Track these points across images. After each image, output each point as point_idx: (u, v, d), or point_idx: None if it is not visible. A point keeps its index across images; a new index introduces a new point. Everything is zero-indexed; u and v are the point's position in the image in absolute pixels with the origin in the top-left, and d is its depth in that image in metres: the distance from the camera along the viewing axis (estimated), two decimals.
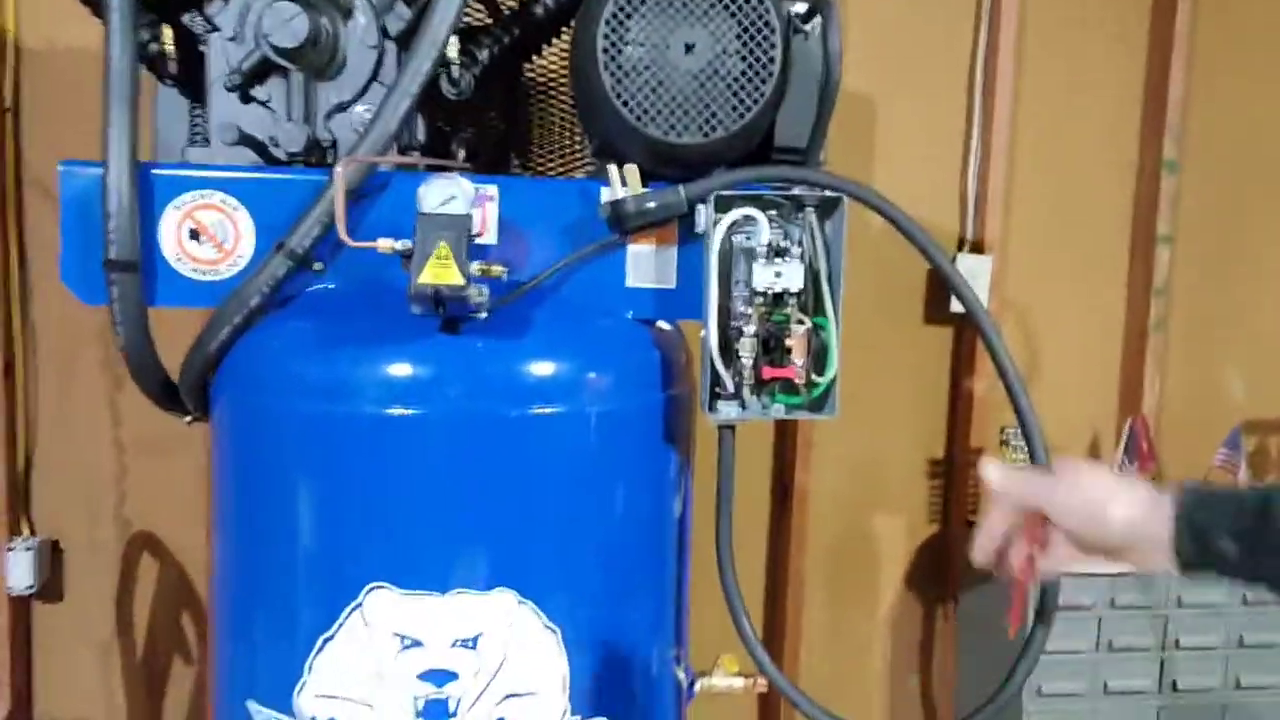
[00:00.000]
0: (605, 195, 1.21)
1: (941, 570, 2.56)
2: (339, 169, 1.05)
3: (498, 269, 1.11)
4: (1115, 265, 2.58)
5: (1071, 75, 2.47)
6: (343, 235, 1.06)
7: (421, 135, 1.33)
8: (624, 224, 1.19)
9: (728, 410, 1.22)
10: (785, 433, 2.47)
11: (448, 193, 1.09)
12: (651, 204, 1.18)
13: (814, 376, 1.22)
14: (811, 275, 1.22)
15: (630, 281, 1.26)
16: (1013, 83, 2.42)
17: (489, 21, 1.48)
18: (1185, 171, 2.51)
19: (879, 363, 2.49)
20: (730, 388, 1.21)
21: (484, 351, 1.15)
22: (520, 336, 1.16)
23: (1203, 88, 2.51)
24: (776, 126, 1.30)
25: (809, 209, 1.21)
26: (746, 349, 1.19)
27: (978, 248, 2.45)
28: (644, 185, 1.20)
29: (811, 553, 2.48)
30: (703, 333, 1.21)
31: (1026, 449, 1.26)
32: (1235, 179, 2.57)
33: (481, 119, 1.56)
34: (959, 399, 2.52)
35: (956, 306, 2.39)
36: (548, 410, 1.17)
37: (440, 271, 1.02)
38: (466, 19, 1.46)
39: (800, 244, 1.20)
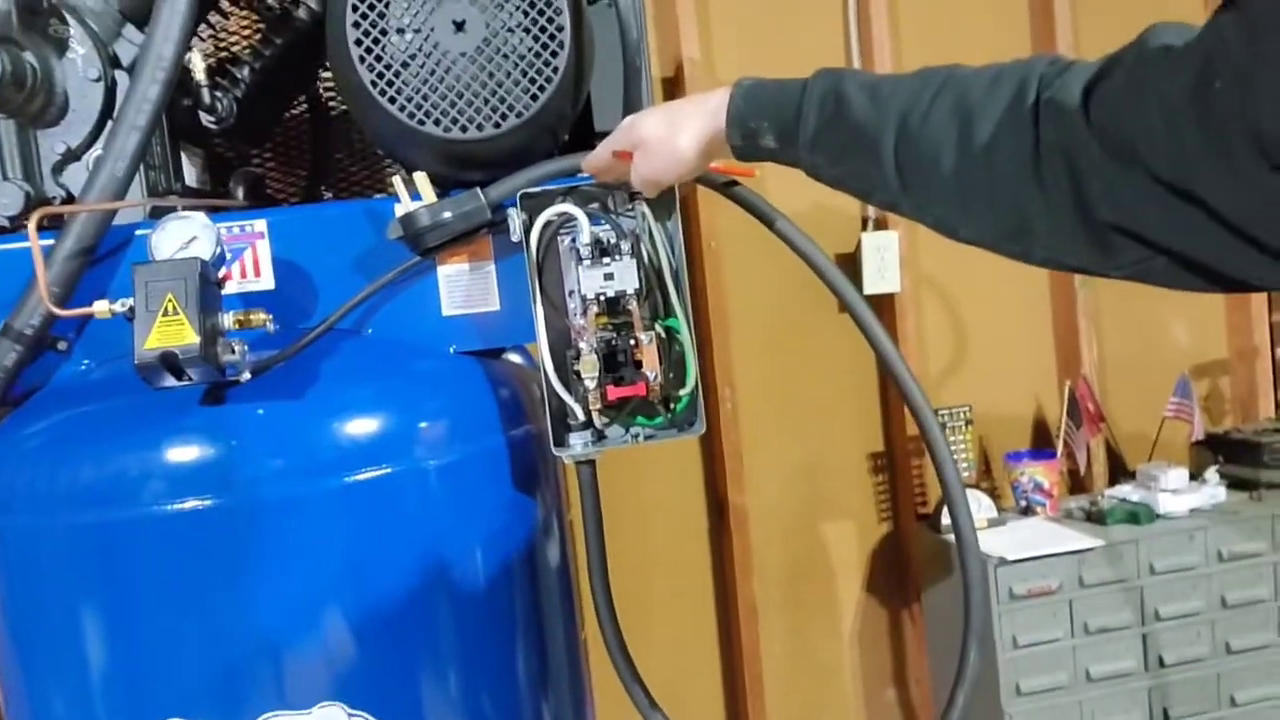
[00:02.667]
0: (398, 212, 1.02)
1: (901, 571, 2.38)
2: (31, 223, 0.85)
3: (258, 317, 0.91)
4: None
5: (954, 20, 2.34)
6: (46, 303, 0.86)
7: (193, 176, 1.14)
8: (421, 241, 1.00)
9: (578, 444, 1.03)
10: (711, 448, 2.28)
11: (185, 235, 0.90)
12: (447, 214, 0.99)
13: (673, 390, 1.03)
14: (654, 273, 1.04)
15: (447, 309, 1.07)
16: (890, 42, 2.28)
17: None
18: None
19: (798, 357, 2.31)
20: (580, 416, 1.02)
21: (263, 419, 0.95)
22: (304, 393, 0.97)
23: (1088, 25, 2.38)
24: (594, 109, 1.12)
25: (639, 197, 1.03)
26: (588, 368, 1.00)
27: (881, 224, 2.30)
28: (447, 194, 1.01)
29: (760, 577, 2.28)
30: (538, 358, 1.02)
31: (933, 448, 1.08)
32: None
33: (278, 149, 1.37)
34: (888, 386, 2.35)
35: (872, 287, 2.22)
36: (359, 477, 0.97)
37: (170, 332, 0.82)
38: (234, 36, 1.27)
39: (632, 238, 1.02)
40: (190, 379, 0.87)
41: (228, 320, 0.89)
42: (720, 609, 2.34)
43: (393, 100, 0.97)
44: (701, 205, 2.15)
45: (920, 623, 2.35)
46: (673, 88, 2.20)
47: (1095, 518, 2.09)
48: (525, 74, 0.98)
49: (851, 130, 0.79)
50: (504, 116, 0.98)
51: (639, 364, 1.01)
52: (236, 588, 0.96)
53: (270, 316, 0.93)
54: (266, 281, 1.03)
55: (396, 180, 1.00)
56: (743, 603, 2.27)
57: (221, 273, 0.91)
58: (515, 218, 1.01)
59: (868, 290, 2.24)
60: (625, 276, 1.00)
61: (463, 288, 1.07)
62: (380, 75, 0.96)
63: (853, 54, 2.28)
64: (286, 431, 0.97)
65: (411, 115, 0.97)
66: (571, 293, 1.04)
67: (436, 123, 0.98)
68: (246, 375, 0.92)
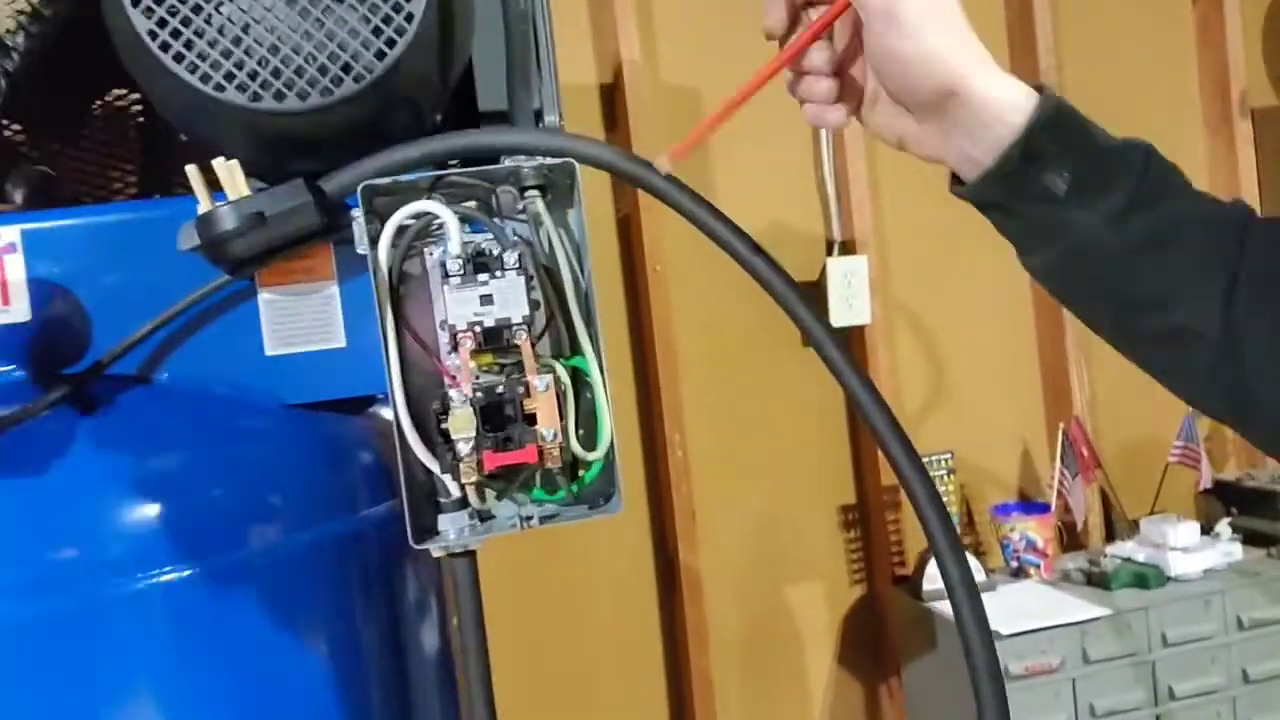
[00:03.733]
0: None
1: (877, 639, 2.11)
2: None
3: None
4: (1012, 248, 2.20)
5: None
6: None
7: None
8: (226, 253, 0.72)
9: (450, 530, 0.75)
10: (659, 503, 2.00)
11: None
12: (260, 214, 0.71)
13: (580, 451, 0.76)
14: (555, 296, 0.76)
15: (272, 347, 0.79)
16: None
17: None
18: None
19: (758, 400, 2.05)
20: (453, 491, 0.74)
21: None
22: (61, 468, 0.68)
23: (1070, 36, 2.16)
24: (479, 84, 0.86)
25: (530, 193, 0.76)
26: (460, 426, 0.72)
27: (849, 248, 2.05)
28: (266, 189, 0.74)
29: (717, 647, 2.00)
30: (390, 411, 0.74)
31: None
32: (1132, 122, 2.21)
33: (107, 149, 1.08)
34: (859, 430, 2.09)
35: (839, 318, 1.97)
36: (139, 585, 0.69)
37: None
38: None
39: (521, 247, 0.75)
40: None
41: None
42: (672, 684, 2.05)
43: (180, 57, 0.69)
44: (645, 221, 1.88)
45: (900, 699, 2.08)
46: (612, 93, 1.94)
47: (1097, 580, 1.83)
48: (367, 21, 0.71)
49: (1194, 215, 0.60)
50: (336, 81, 0.71)
51: (528, 418, 0.73)
52: None
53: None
54: (18, 311, 0.75)
55: (191, 171, 0.72)
56: (697, 677, 1.99)
57: None
58: (360, 221, 0.73)
59: (835, 322, 1.99)
60: (510, 299, 0.72)
61: (294, 318, 0.79)
62: (162, 22, 0.69)
63: None
64: (32, 525, 0.69)
65: (206, 78, 0.70)
66: (443, 323, 0.77)
67: (242, 88, 0.70)
68: None
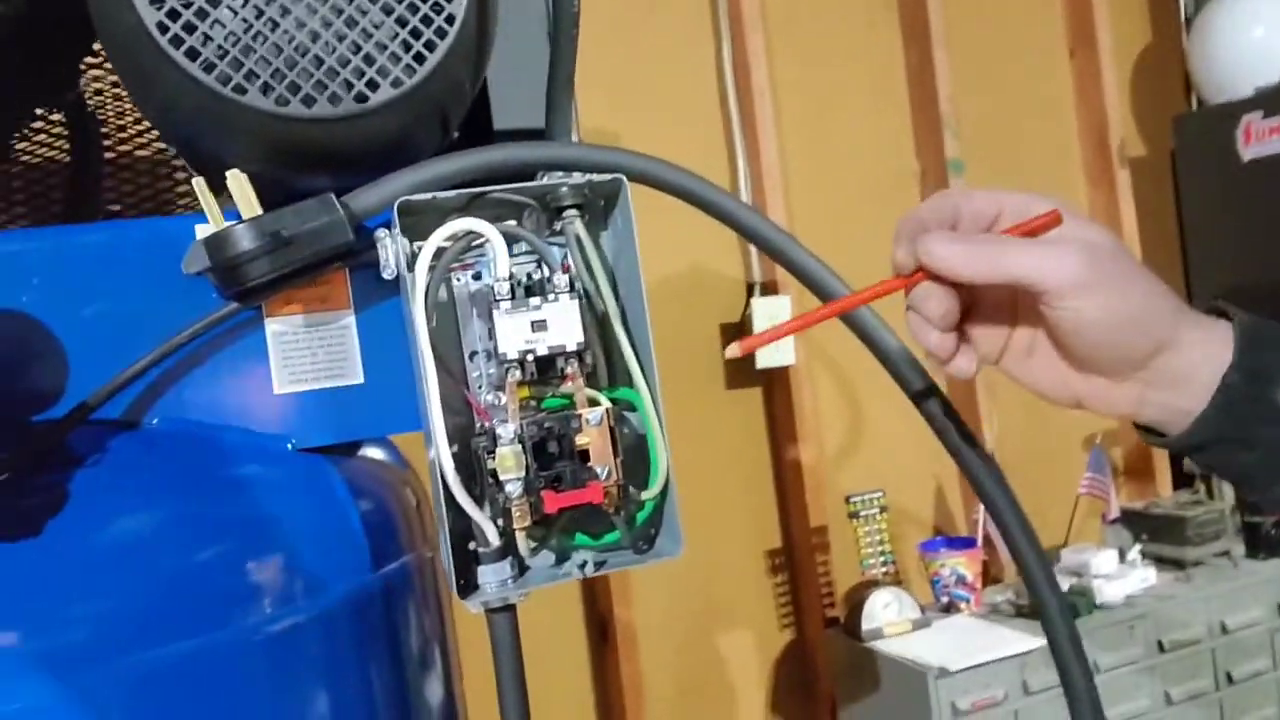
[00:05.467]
0: (200, 234, 0.65)
1: (809, 685, 2.08)
2: None
3: None
4: None
5: (832, 79, 2.15)
6: None
7: None
8: (239, 278, 0.64)
9: (492, 582, 0.67)
10: None
11: None
12: (284, 232, 0.63)
13: (632, 491, 0.70)
14: (595, 322, 0.71)
15: (282, 385, 0.70)
16: (771, 101, 2.06)
17: None
18: (970, 171, 2.23)
19: (681, 446, 2.01)
20: (493, 540, 0.67)
21: None
22: (36, 533, 0.58)
23: (965, 77, 2.26)
24: (493, 100, 0.80)
25: (569, 213, 0.71)
26: (509, 466, 0.65)
27: (770, 289, 2.05)
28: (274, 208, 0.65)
29: (651, 705, 1.93)
30: (429, 453, 0.67)
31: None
32: (1019, 173, 2.32)
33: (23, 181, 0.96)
34: (784, 472, 2.08)
35: (765, 359, 1.96)
36: (132, 662, 0.58)
37: None
38: None
39: (572, 271, 0.69)
40: None
41: None
42: None
43: (194, 54, 0.61)
44: None
45: None
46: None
47: (1026, 612, 1.86)
48: (404, 22, 0.65)
49: None
50: (372, 85, 0.64)
51: (585, 456, 0.67)
52: None
53: None
54: None
55: (198, 185, 0.63)
56: None
57: None
58: (389, 242, 0.66)
59: (761, 364, 1.98)
60: (564, 325, 0.67)
61: (306, 352, 0.70)
62: (174, 14, 0.61)
63: (731, 111, 2.05)
64: (7, 592, 0.58)
65: (225, 79, 0.62)
66: (474, 354, 0.70)
67: (266, 91, 0.62)
68: None
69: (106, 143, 0.98)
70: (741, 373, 2.04)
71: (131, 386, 0.66)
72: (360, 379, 0.71)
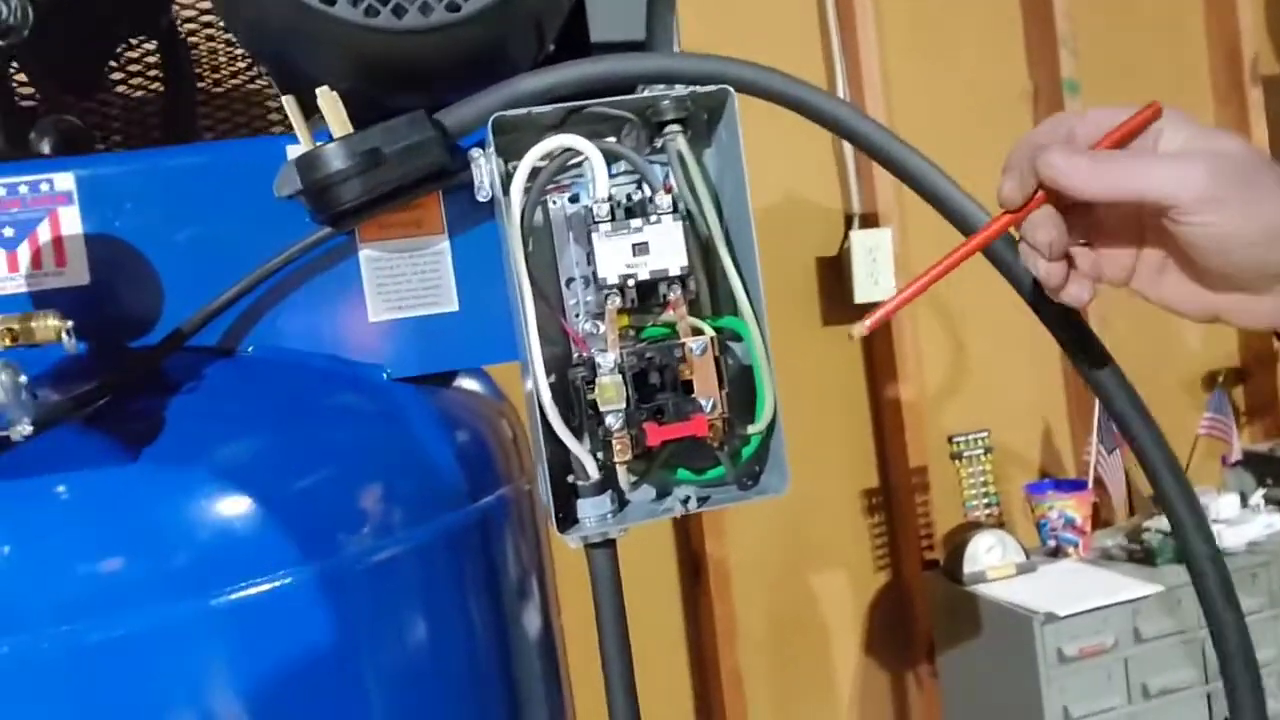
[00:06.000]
0: (292, 154, 0.63)
1: (905, 627, 2.04)
2: None
3: (48, 326, 0.52)
4: None
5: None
6: None
7: None
8: (331, 200, 0.61)
9: (592, 516, 0.65)
10: None
11: None
12: (376, 151, 0.60)
13: (737, 427, 0.66)
14: (697, 246, 0.67)
15: (376, 313, 0.68)
16: (873, 13, 1.96)
17: None
18: (1086, 93, 2.09)
19: (780, 383, 1.97)
20: (592, 473, 0.64)
21: (59, 505, 0.55)
22: (134, 459, 0.57)
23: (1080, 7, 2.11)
24: (590, 11, 0.76)
25: (670, 129, 0.66)
26: (609, 397, 0.62)
27: (870, 221, 1.98)
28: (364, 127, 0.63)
29: (744, 644, 1.91)
30: (526, 384, 0.65)
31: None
32: (1143, 96, 2.17)
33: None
34: (884, 412, 2.02)
35: (864, 294, 1.89)
36: (231, 597, 0.58)
37: None
38: None
39: (672, 191, 0.65)
40: None
41: None
42: (697, 679, 1.96)
43: None
44: None
45: (929, 687, 2.01)
46: None
47: (1140, 557, 1.78)
48: None
49: None
50: None
51: (688, 388, 0.64)
52: None
53: (68, 324, 0.53)
54: (76, 274, 0.63)
55: (288, 103, 0.61)
56: (726, 672, 1.90)
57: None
58: (483, 162, 0.63)
59: (859, 299, 1.91)
60: (667, 248, 0.63)
61: (400, 279, 0.68)
62: None
63: (830, 24, 1.97)
64: (102, 527, 0.57)
65: None
66: (571, 281, 0.67)
67: (355, 2, 0.59)
68: (26, 428, 0.52)
69: (199, 71, 0.97)
70: (839, 308, 1.98)
71: (226, 313, 0.64)
72: (455, 306, 0.69)
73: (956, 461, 1.91)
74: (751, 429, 0.67)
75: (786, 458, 0.67)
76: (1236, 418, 2.29)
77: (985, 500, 1.90)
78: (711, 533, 1.87)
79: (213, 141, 0.93)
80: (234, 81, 0.98)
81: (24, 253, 0.62)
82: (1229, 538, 1.76)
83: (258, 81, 0.97)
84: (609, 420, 0.62)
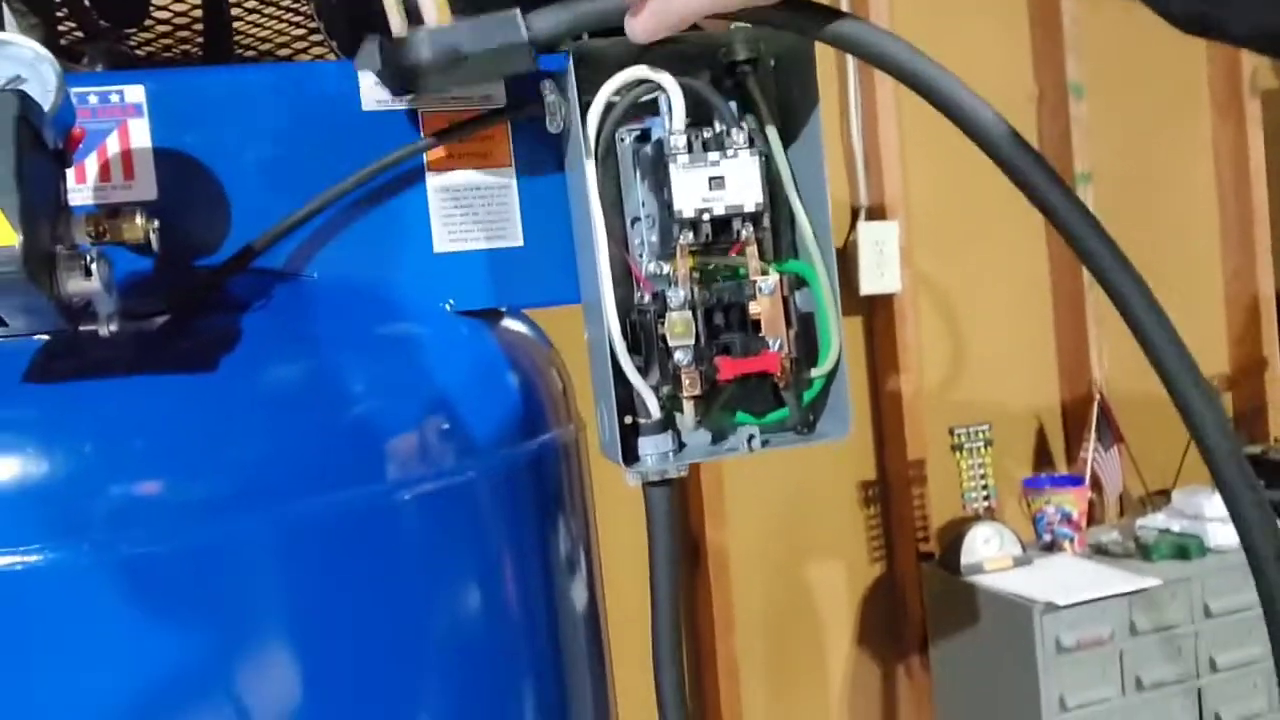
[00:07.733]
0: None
1: (896, 619, 2.05)
2: None
3: (135, 225, 0.51)
4: (1033, 217, 2.16)
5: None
6: None
7: None
8: (408, 85, 0.61)
9: (653, 454, 0.65)
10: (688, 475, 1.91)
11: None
12: (463, 48, 0.59)
13: (801, 369, 0.67)
14: (766, 190, 0.67)
15: (442, 243, 0.68)
16: (887, 22, 1.98)
17: None
18: (1090, 97, 2.12)
19: None
20: (654, 411, 0.64)
21: (138, 408, 0.54)
22: (209, 367, 0.56)
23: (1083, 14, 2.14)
24: None
25: (743, 69, 0.67)
26: (679, 332, 0.62)
27: (877, 213, 1.99)
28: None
29: (742, 630, 1.91)
30: (587, 327, 0.65)
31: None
32: (1145, 101, 2.21)
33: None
34: (883, 403, 2.03)
35: (870, 286, 1.90)
36: (295, 512, 0.57)
37: None
38: None
39: (750, 128, 0.65)
40: (2, 324, 0.46)
41: (78, 224, 0.49)
42: (693, 661, 1.96)
43: None
44: None
45: (920, 678, 2.02)
46: None
47: (1132, 552, 1.80)
48: None
49: None
50: None
51: (756, 326, 0.64)
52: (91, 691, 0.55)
53: (155, 224, 0.53)
54: (144, 188, 0.62)
55: None
56: (722, 659, 1.90)
57: (59, 140, 0.50)
58: (556, 92, 0.63)
59: (865, 290, 1.92)
60: (743, 184, 0.63)
61: (467, 211, 0.68)
62: None
63: None
64: (178, 432, 0.57)
65: None
66: (636, 221, 0.67)
67: None
68: (110, 326, 0.51)
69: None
70: (845, 299, 1.98)
71: (292, 236, 0.64)
72: (520, 241, 0.68)
73: (957, 453, 1.92)
74: (815, 372, 0.67)
75: (850, 401, 0.67)
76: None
77: (984, 493, 1.92)
78: (712, 519, 1.87)
79: (292, 62, 0.92)
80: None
81: (92, 164, 0.61)
82: (1221, 536, 1.78)
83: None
84: (678, 356, 0.62)
